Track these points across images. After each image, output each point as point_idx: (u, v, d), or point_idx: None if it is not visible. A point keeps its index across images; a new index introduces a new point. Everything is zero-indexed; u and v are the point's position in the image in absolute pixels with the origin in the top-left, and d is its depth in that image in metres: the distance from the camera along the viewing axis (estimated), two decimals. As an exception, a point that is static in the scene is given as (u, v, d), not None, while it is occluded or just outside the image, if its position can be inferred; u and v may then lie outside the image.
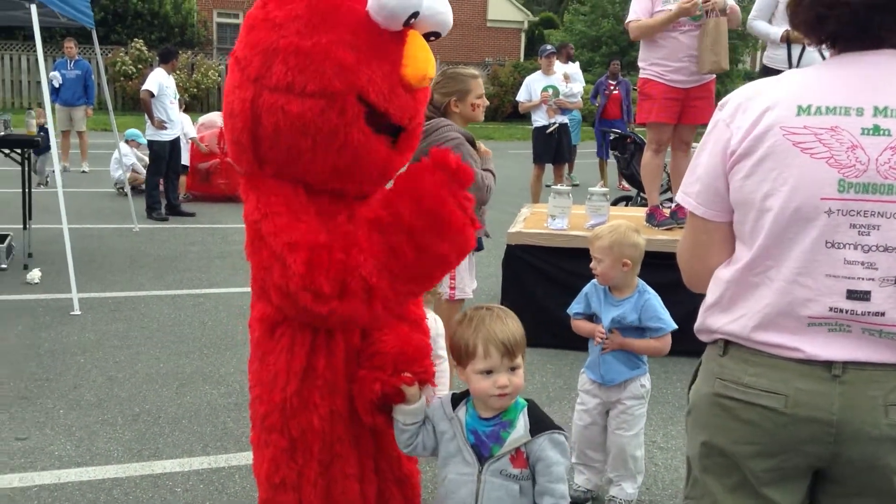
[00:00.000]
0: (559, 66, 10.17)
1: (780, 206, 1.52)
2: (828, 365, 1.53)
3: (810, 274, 1.52)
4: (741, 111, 1.59)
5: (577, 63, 10.87)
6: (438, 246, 1.93)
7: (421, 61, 1.96)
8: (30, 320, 5.25)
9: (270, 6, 1.97)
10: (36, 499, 3.12)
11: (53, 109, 8.27)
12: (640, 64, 5.18)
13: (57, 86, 11.68)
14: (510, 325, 1.92)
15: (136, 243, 7.71)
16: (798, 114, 1.52)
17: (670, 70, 4.98)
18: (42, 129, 7.98)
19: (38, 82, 20.40)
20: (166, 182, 9.17)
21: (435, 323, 2.85)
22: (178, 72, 23.08)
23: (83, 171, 12.18)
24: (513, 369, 1.91)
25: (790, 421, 1.54)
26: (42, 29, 5.65)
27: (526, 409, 1.96)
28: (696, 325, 1.72)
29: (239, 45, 2.03)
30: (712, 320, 1.66)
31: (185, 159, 9.84)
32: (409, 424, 2.04)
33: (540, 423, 1.94)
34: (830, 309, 1.51)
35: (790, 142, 1.51)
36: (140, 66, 22.71)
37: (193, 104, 22.28)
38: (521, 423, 1.93)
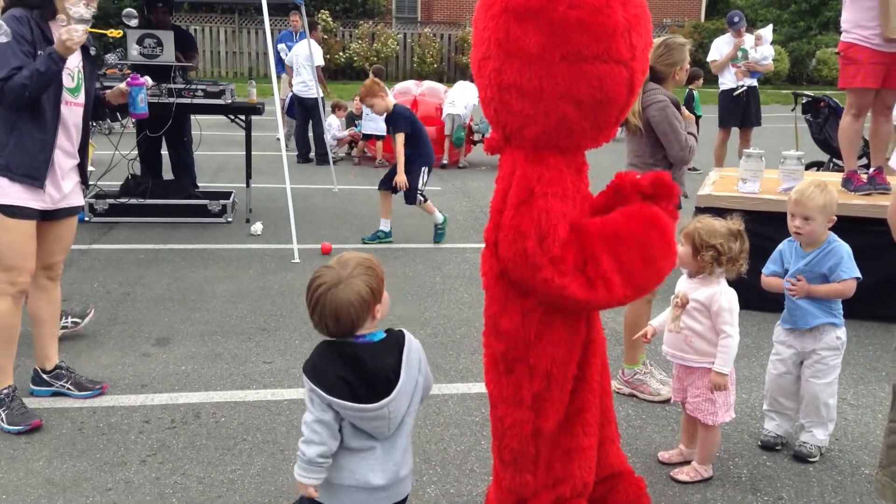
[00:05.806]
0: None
1: None
2: None
3: None
4: None
5: (770, 25, 10.50)
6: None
7: None
8: (259, 266, 6.01)
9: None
10: (287, 409, 3.71)
11: (279, 80, 9.05)
12: (843, 26, 5.07)
13: (284, 57, 11.66)
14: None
15: (338, 202, 8.45)
16: None
17: (877, 33, 4.85)
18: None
19: (238, 53, 21.98)
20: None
21: (722, 296, 3.08)
22: (359, 41, 24.28)
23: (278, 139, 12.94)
24: None
25: None
26: (241, 4, 6.30)
27: None
28: None
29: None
30: None
31: (373, 129, 10.55)
32: None
33: None
34: None
35: None
36: (325, 37, 24.02)
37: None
38: None
